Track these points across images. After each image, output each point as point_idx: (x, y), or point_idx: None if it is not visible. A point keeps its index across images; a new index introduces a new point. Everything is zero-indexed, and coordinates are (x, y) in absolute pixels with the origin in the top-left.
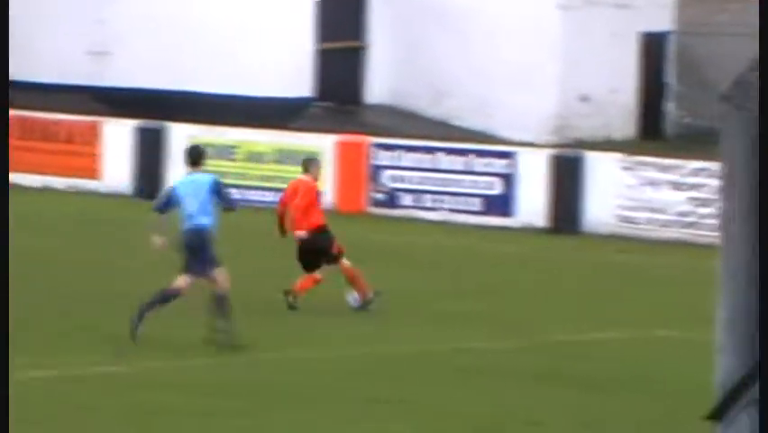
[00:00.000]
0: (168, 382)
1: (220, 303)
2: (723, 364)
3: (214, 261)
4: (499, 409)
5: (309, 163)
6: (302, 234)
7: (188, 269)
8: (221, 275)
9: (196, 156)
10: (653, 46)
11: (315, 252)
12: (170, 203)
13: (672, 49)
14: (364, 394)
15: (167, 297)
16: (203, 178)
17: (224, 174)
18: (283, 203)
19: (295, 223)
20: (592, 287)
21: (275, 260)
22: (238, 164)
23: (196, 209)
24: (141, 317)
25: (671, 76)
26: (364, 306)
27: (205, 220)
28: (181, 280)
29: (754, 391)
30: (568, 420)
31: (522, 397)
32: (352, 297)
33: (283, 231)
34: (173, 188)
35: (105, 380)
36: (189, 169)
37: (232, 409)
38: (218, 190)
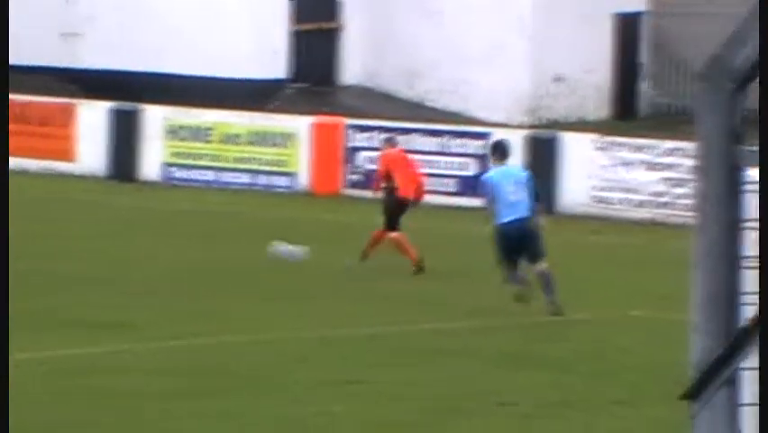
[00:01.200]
0: (128, 366)
1: (545, 281)
2: (698, 344)
3: (542, 252)
4: (470, 389)
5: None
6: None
7: (515, 258)
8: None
9: (503, 149)
10: (626, 26)
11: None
12: (491, 195)
13: (645, 29)
14: (322, 376)
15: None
16: (519, 171)
17: (199, 156)
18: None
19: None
20: (566, 267)
21: (234, 242)
22: (213, 146)
23: (518, 200)
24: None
25: (644, 56)
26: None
27: (529, 211)
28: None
29: (730, 371)
30: (538, 401)
31: (493, 378)
32: (286, 249)
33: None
34: (489, 181)
35: (68, 363)
36: (498, 162)
37: (182, 391)
38: (533, 185)
